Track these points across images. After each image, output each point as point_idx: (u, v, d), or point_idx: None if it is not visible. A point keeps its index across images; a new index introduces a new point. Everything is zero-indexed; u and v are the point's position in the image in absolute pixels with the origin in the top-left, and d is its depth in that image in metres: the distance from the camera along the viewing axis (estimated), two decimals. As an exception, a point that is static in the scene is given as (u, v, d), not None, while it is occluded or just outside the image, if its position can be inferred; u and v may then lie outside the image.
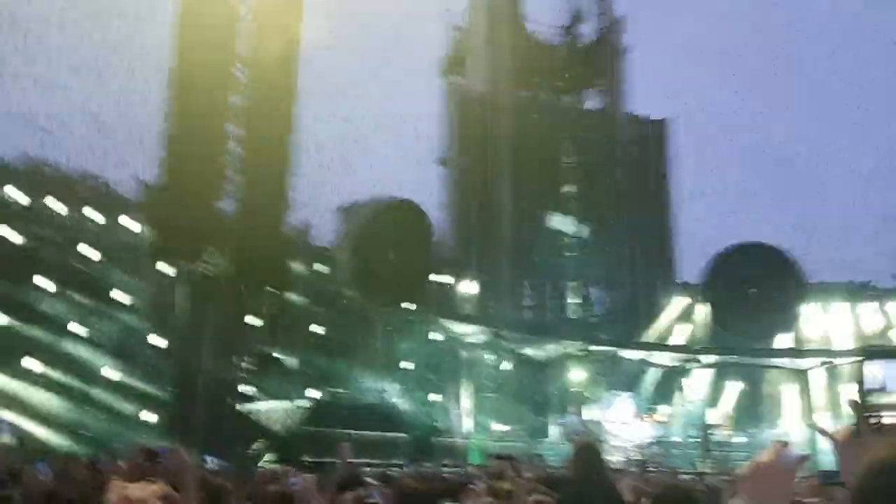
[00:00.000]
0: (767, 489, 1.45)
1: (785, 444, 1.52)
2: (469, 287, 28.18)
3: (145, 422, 21.65)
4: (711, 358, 27.23)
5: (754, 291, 28.78)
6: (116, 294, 22.35)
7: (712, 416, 27.31)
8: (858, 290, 32.48)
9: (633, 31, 32.96)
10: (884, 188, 77.07)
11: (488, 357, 27.73)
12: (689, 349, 27.40)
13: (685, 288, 31.51)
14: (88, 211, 22.31)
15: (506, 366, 27.91)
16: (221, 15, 20.61)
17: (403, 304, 28.59)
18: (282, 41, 21.52)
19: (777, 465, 1.47)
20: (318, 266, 27.54)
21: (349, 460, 6.24)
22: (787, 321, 29.27)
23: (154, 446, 3.95)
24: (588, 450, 4.87)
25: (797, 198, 76.39)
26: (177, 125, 19.90)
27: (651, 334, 29.76)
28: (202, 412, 19.54)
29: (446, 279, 28.32)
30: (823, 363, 26.98)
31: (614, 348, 27.51)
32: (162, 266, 21.52)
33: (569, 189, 30.93)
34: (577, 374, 26.68)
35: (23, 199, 21.53)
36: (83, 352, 21.58)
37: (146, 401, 22.07)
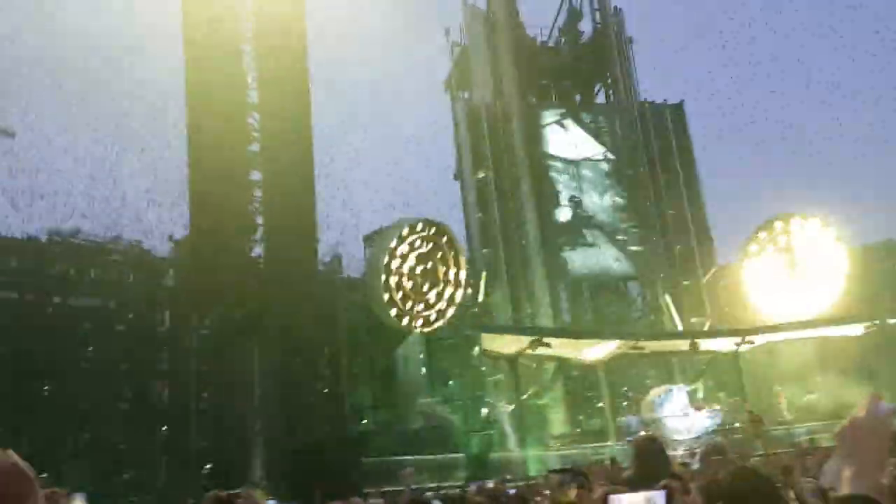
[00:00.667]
0: (865, 443, 1.46)
1: (878, 396, 1.52)
2: (504, 298, 28.11)
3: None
4: (765, 337, 26.67)
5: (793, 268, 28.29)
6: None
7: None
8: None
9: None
10: None
11: (533, 365, 27.55)
12: (740, 331, 26.87)
13: (728, 269, 31.04)
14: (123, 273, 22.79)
15: (551, 372, 27.71)
16: (229, 63, 20.98)
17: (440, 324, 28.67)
18: (290, 80, 21.84)
19: (871, 418, 1.48)
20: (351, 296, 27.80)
21: (413, 486, 6.22)
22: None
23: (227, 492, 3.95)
24: (648, 444, 4.76)
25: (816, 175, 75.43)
26: (199, 181, 20.26)
27: (698, 323, 29.33)
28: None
29: (480, 293, 28.29)
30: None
31: (660, 340, 27.13)
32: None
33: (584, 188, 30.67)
34: (626, 372, 26.37)
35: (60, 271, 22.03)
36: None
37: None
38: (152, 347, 23.33)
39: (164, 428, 23.46)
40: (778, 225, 30.01)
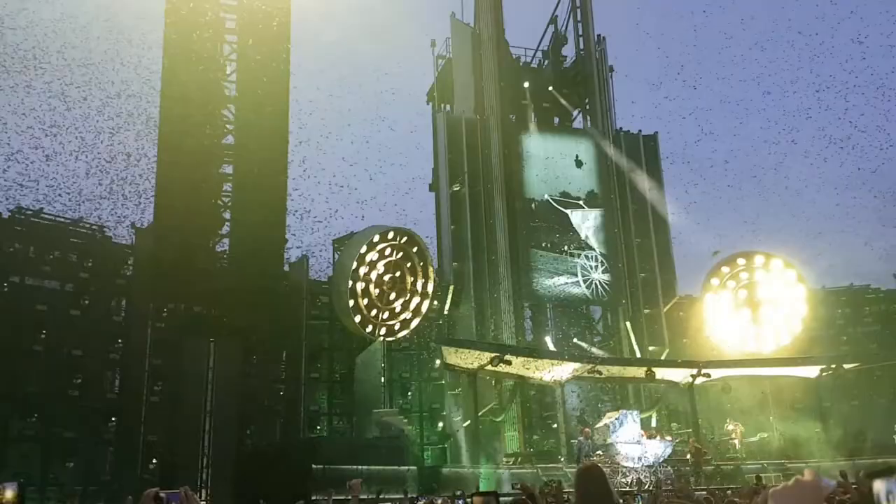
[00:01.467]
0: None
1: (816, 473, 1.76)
2: (469, 313, 28.12)
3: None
4: (721, 371, 27.02)
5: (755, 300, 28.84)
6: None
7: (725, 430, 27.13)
8: (859, 293, 32.45)
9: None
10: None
11: (493, 382, 27.56)
12: (696, 363, 27.17)
13: (687, 301, 31.46)
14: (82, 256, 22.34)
15: (510, 390, 27.73)
16: (209, 58, 20.80)
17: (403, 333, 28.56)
18: (271, 76, 21.69)
19: (811, 485, 1.71)
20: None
21: (361, 496, 6.16)
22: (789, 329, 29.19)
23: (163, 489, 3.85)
24: (590, 473, 4.74)
25: (781, 206, 77.32)
26: (167, 168, 19.98)
27: (656, 352, 29.63)
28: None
29: (446, 305, 28.28)
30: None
31: (619, 366, 27.31)
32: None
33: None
34: (583, 395, 26.49)
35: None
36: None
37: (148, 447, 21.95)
38: (107, 336, 22.90)
39: (113, 419, 23.04)
40: (741, 261, 30.52)
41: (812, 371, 26.73)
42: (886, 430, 27.23)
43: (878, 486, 1.61)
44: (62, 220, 23.03)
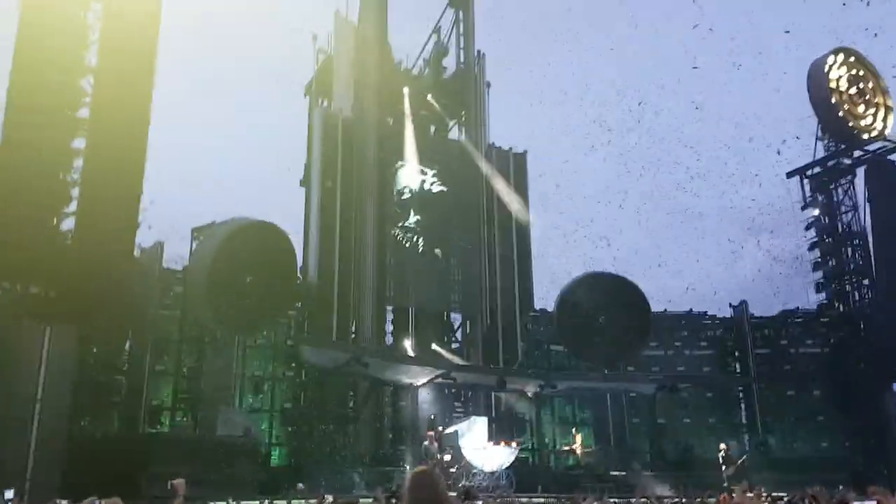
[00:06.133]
0: None
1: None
2: (330, 312, 27.81)
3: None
4: (566, 384, 28.32)
5: (602, 319, 30.47)
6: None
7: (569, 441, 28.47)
8: (697, 319, 35.02)
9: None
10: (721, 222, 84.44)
11: (350, 381, 27.44)
12: (546, 374, 28.34)
13: (542, 316, 32.70)
14: None
15: (363, 391, 27.69)
16: (68, 23, 19.42)
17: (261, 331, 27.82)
18: (136, 51, 20.56)
19: None
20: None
21: (183, 494, 5.93)
22: (634, 348, 31.09)
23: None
24: (422, 477, 4.80)
25: (650, 232, 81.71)
26: (12, 135, 18.45)
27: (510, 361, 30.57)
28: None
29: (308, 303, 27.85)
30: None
31: (473, 374, 27.99)
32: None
33: (424, 217, 31.26)
34: (434, 400, 26.88)
35: None
36: None
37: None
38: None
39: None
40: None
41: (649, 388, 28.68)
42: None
43: None
44: None
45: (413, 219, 30.91)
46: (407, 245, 30.70)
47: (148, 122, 20.33)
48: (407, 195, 31.01)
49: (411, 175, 31.15)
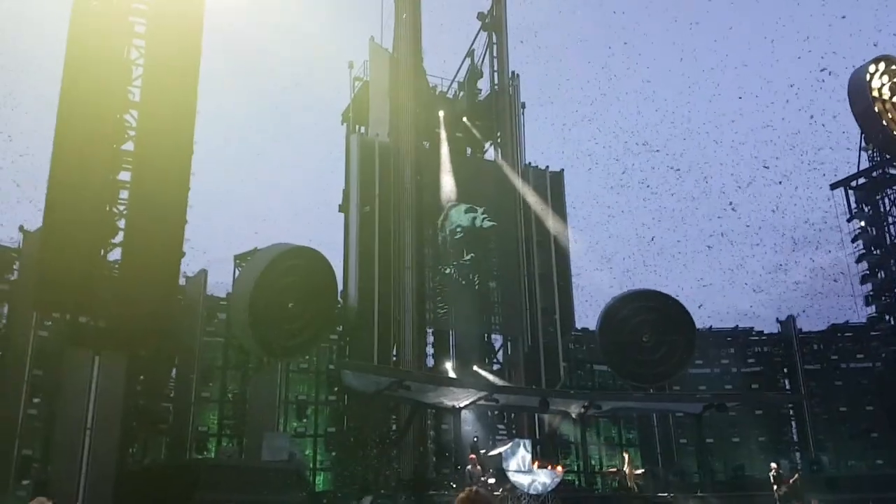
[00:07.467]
0: None
1: None
2: (371, 337, 27.89)
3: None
4: (610, 404, 27.85)
5: (646, 337, 29.98)
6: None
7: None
8: (743, 335, 34.29)
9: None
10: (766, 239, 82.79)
11: (391, 405, 27.39)
12: (589, 395, 27.95)
13: (584, 336, 32.35)
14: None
15: (405, 414, 27.60)
16: (112, 58, 20.05)
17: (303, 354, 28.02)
18: (178, 85, 21.10)
19: None
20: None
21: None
22: (680, 366, 30.49)
23: None
24: (468, 500, 4.78)
25: (686, 248, 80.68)
26: (61, 169, 19.05)
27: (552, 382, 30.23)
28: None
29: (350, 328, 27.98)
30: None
31: (515, 395, 27.71)
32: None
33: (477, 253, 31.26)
34: (476, 422, 26.68)
35: None
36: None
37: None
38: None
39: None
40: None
41: (696, 408, 27.97)
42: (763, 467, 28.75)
43: None
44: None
45: (467, 256, 30.93)
46: (463, 283, 30.69)
47: (191, 154, 20.80)
48: (459, 235, 31.02)
49: (461, 214, 31.15)
